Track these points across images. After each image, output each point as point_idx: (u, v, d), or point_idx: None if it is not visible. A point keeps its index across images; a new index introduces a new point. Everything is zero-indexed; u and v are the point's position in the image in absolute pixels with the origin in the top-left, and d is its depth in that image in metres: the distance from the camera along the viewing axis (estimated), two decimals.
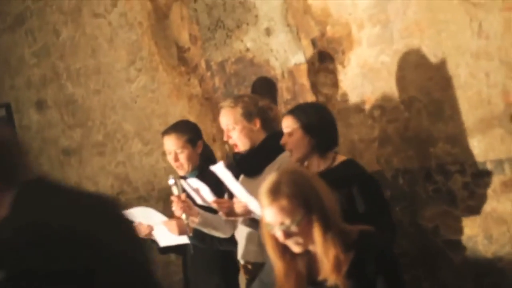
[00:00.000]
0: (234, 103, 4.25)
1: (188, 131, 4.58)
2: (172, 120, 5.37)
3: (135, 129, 6.15)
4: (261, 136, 4.25)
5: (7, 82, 7.50)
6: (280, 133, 4.06)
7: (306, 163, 3.99)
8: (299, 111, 3.95)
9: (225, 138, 4.30)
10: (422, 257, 4.23)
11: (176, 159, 4.54)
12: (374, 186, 3.89)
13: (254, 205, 3.95)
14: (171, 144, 4.54)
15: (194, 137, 4.58)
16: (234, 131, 4.22)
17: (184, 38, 5.47)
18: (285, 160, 4.08)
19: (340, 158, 3.91)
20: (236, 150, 4.30)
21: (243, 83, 5.10)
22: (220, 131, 5.13)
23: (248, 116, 4.22)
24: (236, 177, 4.31)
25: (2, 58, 7.49)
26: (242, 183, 4.25)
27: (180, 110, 5.58)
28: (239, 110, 4.21)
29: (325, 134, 3.87)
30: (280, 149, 4.10)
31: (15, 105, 7.41)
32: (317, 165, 3.90)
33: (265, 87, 4.99)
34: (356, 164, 3.95)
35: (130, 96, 6.06)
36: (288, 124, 3.90)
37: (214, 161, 4.61)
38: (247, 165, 4.30)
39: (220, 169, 4.04)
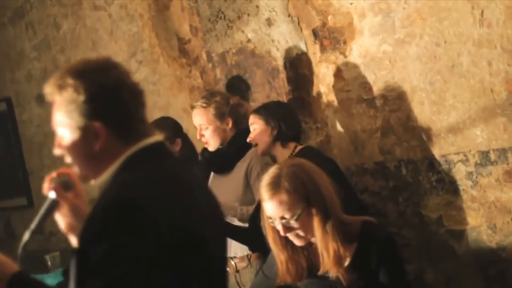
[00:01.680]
0: (206, 103, 4.41)
1: (165, 128, 4.64)
2: (173, 112, 5.38)
3: None
4: (232, 133, 4.45)
5: (7, 76, 7.49)
6: (247, 130, 4.28)
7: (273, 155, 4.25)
8: (261, 108, 4.32)
9: (198, 137, 4.48)
10: (426, 247, 4.26)
11: None
12: (334, 167, 4.03)
13: None
14: None
15: (172, 135, 4.72)
16: (207, 131, 4.41)
17: (184, 29, 5.48)
18: (255, 154, 4.30)
19: (299, 147, 4.18)
20: (209, 148, 4.47)
21: (244, 74, 5.12)
22: None
23: (220, 116, 4.41)
24: (206, 174, 4.47)
25: (2, 52, 7.48)
26: (213, 181, 4.40)
27: (182, 102, 5.59)
28: (211, 110, 4.39)
29: (285, 124, 4.18)
30: (249, 146, 4.25)
31: (15, 99, 7.41)
32: (281, 154, 4.18)
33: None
34: (314, 150, 4.28)
35: None
36: (252, 121, 4.25)
37: (194, 157, 4.73)
38: (217, 163, 4.49)
39: None
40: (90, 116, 2.16)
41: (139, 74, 5.95)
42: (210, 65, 5.36)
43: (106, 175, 2.20)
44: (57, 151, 2.29)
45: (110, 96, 2.19)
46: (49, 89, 2.23)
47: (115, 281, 1.96)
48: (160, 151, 2.27)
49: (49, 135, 7.23)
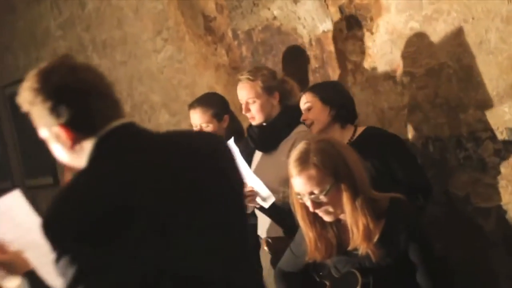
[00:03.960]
0: (253, 76, 4.33)
1: (214, 105, 4.65)
2: (199, 90, 5.43)
3: (162, 100, 6.22)
4: (278, 109, 4.36)
5: (33, 55, 7.59)
6: (294, 107, 4.19)
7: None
8: (316, 87, 4.23)
9: (243, 112, 4.39)
10: (453, 225, 4.28)
11: None
12: (403, 145, 4.05)
13: (259, 188, 4.05)
14: (197, 118, 4.62)
15: (220, 111, 4.66)
16: (254, 105, 4.32)
17: (210, 7, 5.52)
18: (300, 134, 4.18)
19: (360, 128, 4.07)
20: (253, 122, 4.39)
21: (271, 51, 5.15)
22: None
23: (268, 89, 4.32)
24: (251, 153, 4.42)
25: (28, 31, 7.58)
26: (259, 159, 4.37)
27: (207, 80, 5.64)
28: (259, 83, 4.31)
29: (344, 105, 4.09)
30: (295, 124, 4.21)
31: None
32: (339, 137, 4.01)
33: (294, 56, 5.05)
34: (378, 128, 4.18)
35: (156, 66, 6.13)
36: (307, 100, 4.12)
37: (241, 134, 4.68)
38: (262, 141, 4.40)
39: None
40: (53, 120, 2.26)
41: (165, 52, 6.01)
42: (236, 42, 5.39)
43: (84, 163, 2.30)
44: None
45: (67, 96, 2.26)
46: (20, 102, 2.33)
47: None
48: (122, 136, 2.31)
49: None
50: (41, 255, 2.51)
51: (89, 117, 2.28)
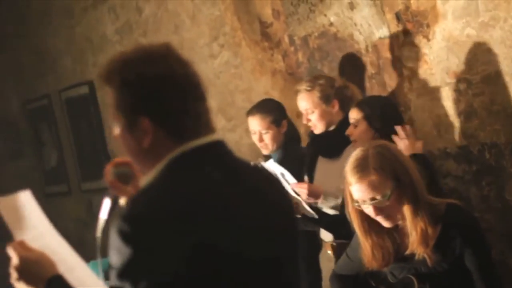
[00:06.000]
0: (311, 87, 4.49)
1: (272, 111, 4.77)
2: (255, 95, 5.52)
3: (218, 105, 6.30)
4: (339, 116, 4.49)
5: (90, 60, 7.73)
6: None
7: None
8: (364, 104, 4.25)
9: (304, 121, 4.57)
10: (509, 232, 4.30)
11: (261, 139, 4.74)
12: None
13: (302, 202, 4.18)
14: (256, 124, 4.74)
15: (279, 117, 4.77)
16: (313, 114, 4.48)
17: (267, 13, 5.60)
18: None
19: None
20: (315, 131, 4.55)
21: (327, 58, 5.21)
22: None
23: (326, 99, 4.47)
24: (313, 156, 4.52)
25: (85, 36, 7.72)
26: (320, 164, 4.46)
27: (264, 86, 5.71)
28: (316, 93, 4.47)
29: (389, 127, 4.10)
30: None
31: (98, 82, 7.63)
32: None
33: (351, 63, 5.13)
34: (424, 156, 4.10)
35: (213, 72, 6.22)
36: (353, 116, 4.19)
37: (298, 139, 4.80)
38: (324, 146, 4.53)
39: (271, 166, 4.24)
40: (136, 111, 2.07)
41: (221, 58, 6.10)
42: (292, 48, 5.47)
43: (152, 174, 2.09)
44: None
45: (155, 89, 2.07)
46: (99, 80, 2.17)
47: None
48: (209, 154, 2.10)
49: None
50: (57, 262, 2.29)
51: (180, 120, 2.08)
